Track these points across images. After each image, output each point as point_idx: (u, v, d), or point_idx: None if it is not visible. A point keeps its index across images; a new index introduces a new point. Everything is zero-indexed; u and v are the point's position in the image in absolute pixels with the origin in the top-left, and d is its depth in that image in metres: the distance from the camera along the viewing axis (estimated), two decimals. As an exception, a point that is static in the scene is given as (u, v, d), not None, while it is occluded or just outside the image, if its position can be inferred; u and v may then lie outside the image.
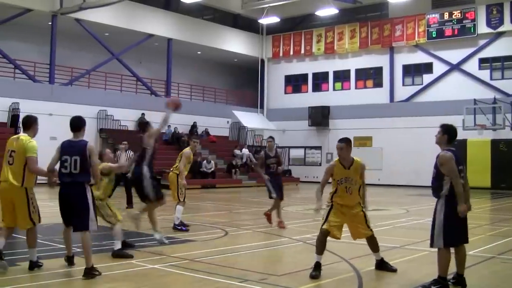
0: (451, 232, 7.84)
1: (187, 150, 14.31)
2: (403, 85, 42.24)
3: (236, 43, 46.27)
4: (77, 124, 9.18)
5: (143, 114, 36.71)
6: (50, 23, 35.62)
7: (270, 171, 15.25)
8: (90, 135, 35.41)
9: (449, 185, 7.85)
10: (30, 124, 9.64)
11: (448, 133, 8.10)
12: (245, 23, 47.07)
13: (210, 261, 9.32)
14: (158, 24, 40.73)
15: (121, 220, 10.62)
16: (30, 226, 9.18)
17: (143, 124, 11.93)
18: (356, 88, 44.38)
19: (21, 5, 33.90)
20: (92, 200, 8.87)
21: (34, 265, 8.98)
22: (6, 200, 9.10)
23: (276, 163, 15.31)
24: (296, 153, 45.71)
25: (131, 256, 10.07)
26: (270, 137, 15.99)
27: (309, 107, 44.60)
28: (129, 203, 19.96)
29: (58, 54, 35.90)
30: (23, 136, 9.44)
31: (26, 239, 9.18)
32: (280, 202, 15.19)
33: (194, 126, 41.57)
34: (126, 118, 37.76)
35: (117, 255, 10.14)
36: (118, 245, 10.36)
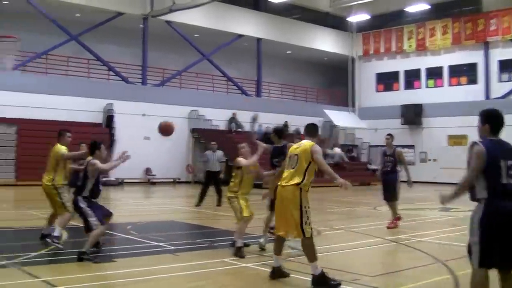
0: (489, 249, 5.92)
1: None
2: (499, 81, 40.92)
3: (325, 42, 45.97)
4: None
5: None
6: (141, 25, 36.35)
7: (385, 170, 14.91)
8: (182, 135, 36.10)
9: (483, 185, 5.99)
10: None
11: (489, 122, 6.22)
12: (334, 21, 46.68)
13: (303, 260, 9.17)
14: (248, 24, 40.92)
15: (246, 217, 10.47)
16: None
17: (279, 131, 11.44)
18: (449, 85, 43.27)
19: (113, 9, 34.73)
20: None
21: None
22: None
23: (392, 162, 14.92)
24: (389, 152, 44.85)
25: (242, 257, 9.95)
26: (388, 134, 15.39)
27: (401, 105, 43.81)
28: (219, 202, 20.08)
29: (150, 55, 36.60)
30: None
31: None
32: (392, 203, 14.76)
33: (285, 126, 41.47)
34: (218, 117, 38.10)
35: (234, 254, 10.08)
36: (238, 243, 10.22)
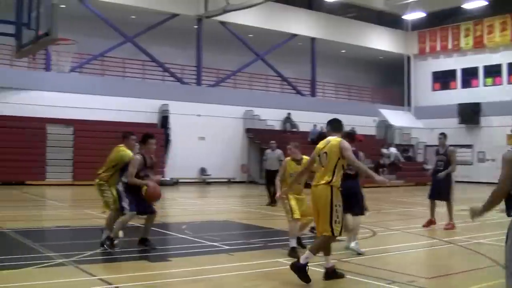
0: None
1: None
2: (560, 78, 39.93)
3: (380, 40, 45.51)
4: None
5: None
6: (195, 26, 36.54)
7: (437, 169, 14.65)
8: (237, 135, 36.27)
9: None
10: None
11: None
12: (389, 20, 46.13)
13: (358, 261, 9.09)
14: (302, 24, 40.78)
15: (295, 219, 10.35)
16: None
17: (351, 134, 11.26)
18: (508, 83, 42.32)
19: (168, 10, 35.00)
20: None
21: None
22: None
23: (444, 161, 14.60)
24: (445, 152, 44.13)
25: (296, 257, 9.89)
26: (441, 133, 15.13)
27: (458, 104, 43.05)
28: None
29: (205, 56, 36.78)
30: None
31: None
32: (448, 204, 14.47)
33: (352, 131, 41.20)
34: (272, 117, 38.09)
35: (288, 254, 10.01)
36: (291, 243, 10.17)
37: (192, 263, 9.39)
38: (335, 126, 8.71)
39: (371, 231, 13.61)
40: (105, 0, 32.26)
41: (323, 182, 8.11)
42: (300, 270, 7.97)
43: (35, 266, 8.66)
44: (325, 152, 8.24)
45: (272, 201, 20.06)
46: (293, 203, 10.37)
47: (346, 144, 8.24)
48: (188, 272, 8.73)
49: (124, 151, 10.77)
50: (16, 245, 11.02)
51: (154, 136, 10.27)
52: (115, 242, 10.00)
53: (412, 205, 22.43)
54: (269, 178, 20.52)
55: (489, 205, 5.37)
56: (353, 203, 10.04)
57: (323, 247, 8.23)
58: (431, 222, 14.47)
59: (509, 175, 5.20)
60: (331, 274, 8.20)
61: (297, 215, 10.28)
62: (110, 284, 7.72)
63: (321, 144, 8.47)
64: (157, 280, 8.14)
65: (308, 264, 7.96)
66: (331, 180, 8.08)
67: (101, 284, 7.65)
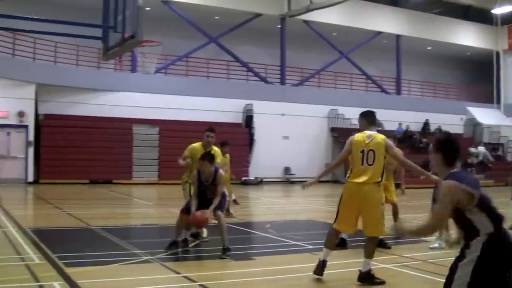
0: None
1: None
2: None
3: (468, 36, 44.39)
4: None
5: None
6: (279, 26, 36.60)
7: None
8: (321, 135, 36.19)
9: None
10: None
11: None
12: (476, 14, 44.94)
13: (443, 263, 8.85)
14: (386, 21, 40.26)
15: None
16: None
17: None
18: None
19: (252, 10, 35.22)
20: None
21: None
22: None
23: None
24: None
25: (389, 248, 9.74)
26: None
27: (551, 101, 41.68)
28: None
29: (288, 55, 36.80)
30: None
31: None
32: None
33: (426, 124, 40.56)
34: (357, 116, 37.58)
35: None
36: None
37: (275, 262, 9.39)
38: (372, 119, 8.57)
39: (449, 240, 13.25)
40: (189, 1, 32.76)
41: (373, 181, 7.92)
42: (368, 278, 7.84)
43: (121, 263, 8.84)
44: (372, 150, 8.05)
45: None
46: None
47: (390, 142, 8.16)
48: (271, 271, 8.73)
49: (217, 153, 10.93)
50: (103, 242, 11.26)
51: (210, 158, 9.93)
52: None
53: (501, 205, 21.76)
54: None
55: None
56: None
57: (371, 249, 8.00)
58: None
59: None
60: (368, 278, 7.88)
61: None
62: (194, 281, 7.81)
63: (361, 138, 8.26)
64: (240, 279, 8.16)
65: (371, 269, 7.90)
66: (381, 180, 7.97)
67: (185, 281, 7.73)
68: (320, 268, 8.03)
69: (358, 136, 8.29)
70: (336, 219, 8.27)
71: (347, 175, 8.21)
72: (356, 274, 7.93)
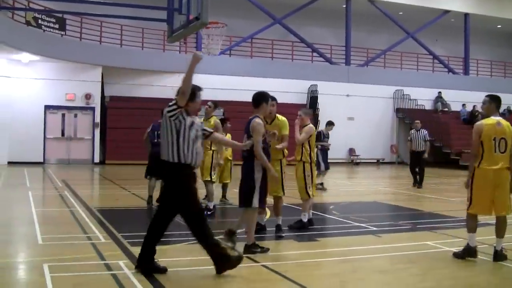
0: None
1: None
2: None
3: (540, 14, 43.08)
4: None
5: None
6: (344, 6, 36.23)
7: None
8: (386, 115, 35.90)
9: None
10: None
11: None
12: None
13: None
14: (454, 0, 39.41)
15: None
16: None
17: None
18: None
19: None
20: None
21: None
22: None
23: None
24: None
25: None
26: None
27: None
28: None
29: (353, 36, 36.43)
30: None
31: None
32: None
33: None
34: (423, 97, 37.27)
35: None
36: None
37: (339, 244, 9.41)
38: (500, 104, 8.49)
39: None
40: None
41: (505, 166, 8.15)
42: (501, 257, 8.14)
43: (186, 243, 8.93)
44: (503, 138, 8.17)
45: (415, 182, 19.83)
46: None
47: None
48: (335, 252, 8.75)
49: None
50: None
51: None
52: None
53: None
54: (414, 159, 20.12)
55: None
56: None
57: (504, 228, 8.25)
58: None
59: None
60: (500, 256, 8.14)
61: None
62: (257, 262, 7.84)
63: (491, 126, 8.20)
64: (304, 260, 8.16)
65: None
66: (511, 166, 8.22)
67: (248, 261, 7.76)
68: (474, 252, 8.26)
69: (488, 125, 8.26)
70: (470, 205, 8.34)
71: (478, 162, 8.24)
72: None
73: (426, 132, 20.11)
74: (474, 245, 8.18)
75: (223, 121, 14.08)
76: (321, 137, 18.66)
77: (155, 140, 13.01)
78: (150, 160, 13.54)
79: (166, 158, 7.19)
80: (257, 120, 8.69)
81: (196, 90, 7.58)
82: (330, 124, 19.23)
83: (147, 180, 13.57)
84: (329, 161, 19.25)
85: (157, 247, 7.22)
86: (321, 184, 18.34)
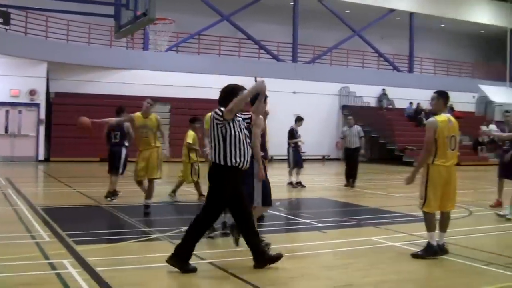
0: None
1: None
2: None
3: (482, 14, 43.97)
4: None
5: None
6: (292, 3, 36.44)
7: (504, 148, 13.64)
8: (332, 112, 36.20)
9: None
10: None
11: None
12: (491, -8, 44.59)
13: (454, 241, 8.88)
14: (400, -2, 40.01)
15: None
16: None
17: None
18: None
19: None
20: None
21: None
22: None
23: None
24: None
25: None
26: (506, 111, 14.40)
27: None
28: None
29: (301, 33, 36.67)
30: None
31: None
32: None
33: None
34: (368, 94, 37.72)
35: None
36: None
37: (286, 240, 9.52)
38: (448, 100, 8.65)
39: (467, 210, 13.31)
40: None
41: (455, 163, 8.41)
42: (443, 251, 8.31)
43: (131, 241, 8.93)
44: (454, 136, 8.34)
45: (347, 182, 19.12)
46: None
47: None
48: (281, 249, 8.78)
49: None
50: (113, 220, 11.52)
51: None
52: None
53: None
54: (349, 157, 19.60)
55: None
56: None
57: (446, 224, 8.51)
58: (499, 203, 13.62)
59: None
60: (442, 250, 8.33)
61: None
62: (203, 259, 7.85)
63: (444, 124, 8.28)
64: (250, 257, 8.20)
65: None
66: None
67: (195, 259, 7.78)
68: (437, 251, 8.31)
69: (441, 123, 8.30)
70: (424, 202, 8.33)
71: (432, 159, 8.28)
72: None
73: (360, 128, 19.59)
74: (435, 243, 8.24)
75: (192, 120, 14.06)
76: (295, 134, 18.67)
77: (113, 141, 14.03)
78: (110, 158, 14.34)
79: (214, 160, 7.48)
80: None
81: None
82: (299, 120, 19.05)
83: (91, 178, 13.53)
84: (274, 158, 19.30)
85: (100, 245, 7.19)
86: (299, 182, 18.47)
